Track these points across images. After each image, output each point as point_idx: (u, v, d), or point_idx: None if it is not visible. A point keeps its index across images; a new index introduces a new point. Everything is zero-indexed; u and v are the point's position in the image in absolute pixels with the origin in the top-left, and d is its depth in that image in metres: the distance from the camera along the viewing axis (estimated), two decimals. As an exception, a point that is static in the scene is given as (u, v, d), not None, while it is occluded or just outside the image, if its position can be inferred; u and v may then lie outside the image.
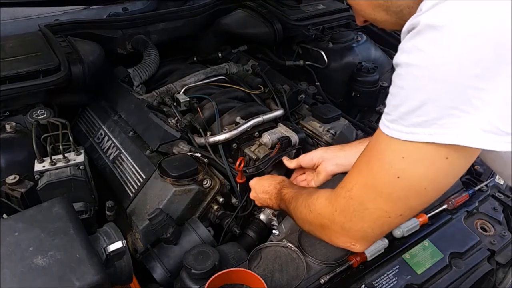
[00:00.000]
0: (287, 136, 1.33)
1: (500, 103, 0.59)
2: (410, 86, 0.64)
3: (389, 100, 0.68)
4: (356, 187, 0.78)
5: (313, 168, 1.19)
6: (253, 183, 1.18)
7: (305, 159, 1.19)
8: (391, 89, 0.68)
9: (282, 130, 1.37)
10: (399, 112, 0.66)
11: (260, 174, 1.25)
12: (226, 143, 1.33)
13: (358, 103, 1.77)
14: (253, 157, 1.32)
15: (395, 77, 0.67)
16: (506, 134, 0.60)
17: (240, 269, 0.92)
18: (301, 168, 1.24)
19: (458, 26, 0.58)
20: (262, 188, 1.14)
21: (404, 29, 0.66)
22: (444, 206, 1.22)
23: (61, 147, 1.09)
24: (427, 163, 0.67)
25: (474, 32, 0.57)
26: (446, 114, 0.61)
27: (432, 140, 0.63)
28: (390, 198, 0.73)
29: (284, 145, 1.30)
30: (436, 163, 0.66)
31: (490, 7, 0.57)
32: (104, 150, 1.37)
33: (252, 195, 1.18)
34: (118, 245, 0.91)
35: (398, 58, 0.66)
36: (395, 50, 0.66)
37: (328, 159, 1.15)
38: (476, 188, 1.30)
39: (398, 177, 0.70)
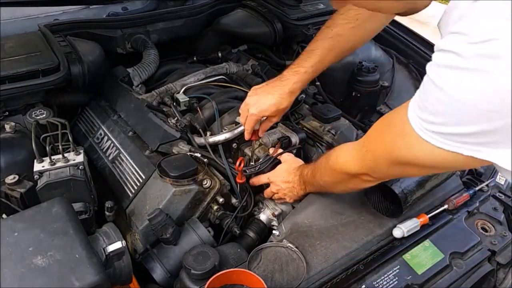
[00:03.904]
0: (287, 136, 1.33)
1: None
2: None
3: (436, 111, 0.66)
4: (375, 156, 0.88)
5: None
6: (271, 176, 1.21)
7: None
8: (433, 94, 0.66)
9: (282, 130, 1.36)
10: (449, 131, 0.66)
11: (260, 174, 1.25)
12: (226, 143, 1.33)
13: (359, 103, 1.77)
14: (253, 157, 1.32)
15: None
16: None
17: (240, 269, 0.92)
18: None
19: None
20: (282, 179, 1.18)
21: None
22: (445, 206, 1.22)
23: (60, 147, 1.08)
24: (448, 160, 0.70)
25: None
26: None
27: (470, 154, 0.65)
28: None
29: (284, 145, 1.30)
30: (456, 161, 0.69)
31: None
32: (104, 150, 1.36)
33: (273, 188, 1.21)
34: (117, 245, 0.91)
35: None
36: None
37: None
38: (477, 188, 1.29)
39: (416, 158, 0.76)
